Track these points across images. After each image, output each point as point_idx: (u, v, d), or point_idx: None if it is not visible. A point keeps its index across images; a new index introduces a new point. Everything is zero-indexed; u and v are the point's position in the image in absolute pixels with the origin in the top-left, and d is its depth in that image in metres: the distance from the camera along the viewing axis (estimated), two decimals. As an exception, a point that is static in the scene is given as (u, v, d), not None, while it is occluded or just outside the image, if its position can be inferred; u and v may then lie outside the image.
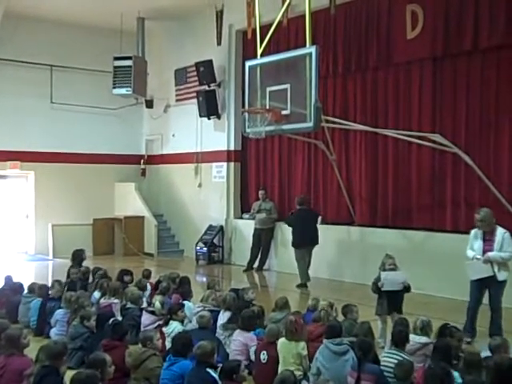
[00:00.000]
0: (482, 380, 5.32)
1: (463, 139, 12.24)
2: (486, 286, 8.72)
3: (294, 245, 13.48)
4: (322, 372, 6.34)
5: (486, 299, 8.95)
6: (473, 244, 8.82)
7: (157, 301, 8.44)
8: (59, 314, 8.59)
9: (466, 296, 11.15)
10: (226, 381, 5.72)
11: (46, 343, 6.06)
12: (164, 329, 7.64)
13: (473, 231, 8.91)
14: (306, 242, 13.35)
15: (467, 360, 5.76)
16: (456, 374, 5.61)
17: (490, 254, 8.53)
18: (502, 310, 8.73)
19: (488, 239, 8.68)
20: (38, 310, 9.03)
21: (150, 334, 6.71)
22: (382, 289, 8.31)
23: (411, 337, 6.73)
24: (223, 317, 8.02)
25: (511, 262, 8.78)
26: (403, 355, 6.17)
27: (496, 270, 8.56)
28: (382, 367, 6.04)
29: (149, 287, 10.08)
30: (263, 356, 6.78)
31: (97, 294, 9.39)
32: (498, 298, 8.67)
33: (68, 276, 10.96)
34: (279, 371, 6.50)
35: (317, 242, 13.39)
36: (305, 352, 6.66)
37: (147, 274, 10.89)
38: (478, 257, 8.61)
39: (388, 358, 6.18)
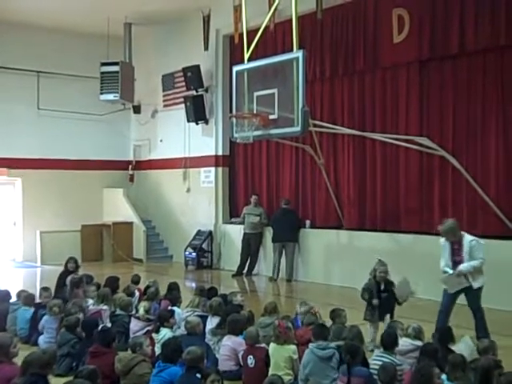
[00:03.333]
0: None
1: (450, 142, 12.29)
2: (462, 292, 8.58)
3: (272, 240, 14.86)
4: (306, 376, 6.32)
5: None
6: (444, 254, 8.65)
7: (141, 307, 8.41)
8: (45, 321, 8.54)
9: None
10: None
11: (32, 352, 6.02)
12: (154, 335, 7.61)
13: (441, 240, 8.69)
14: (281, 237, 14.53)
15: (451, 362, 5.77)
16: (444, 377, 5.62)
17: (461, 267, 8.33)
18: (484, 311, 8.60)
19: (456, 248, 8.47)
20: (30, 319, 8.96)
21: (139, 340, 6.70)
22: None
23: (405, 339, 6.75)
24: (212, 322, 8.00)
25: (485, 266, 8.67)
26: (392, 358, 6.18)
27: (471, 279, 8.37)
28: (371, 370, 6.05)
29: (137, 293, 10.05)
30: (250, 360, 6.77)
31: (86, 301, 9.35)
32: (477, 303, 8.53)
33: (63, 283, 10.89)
34: (269, 375, 6.51)
35: (292, 239, 14.50)
36: (296, 356, 6.64)
37: (136, 280, 10.85)
38: (450, 271, 8.44)
39: (377, 360, 6.19)
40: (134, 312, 8.86)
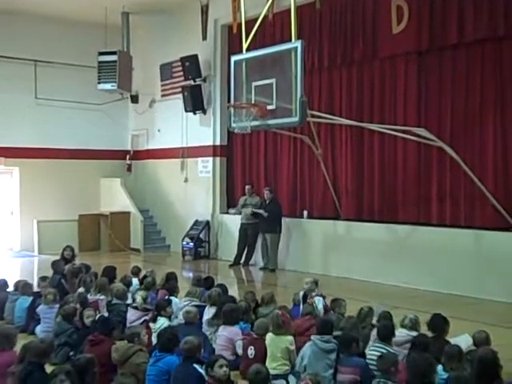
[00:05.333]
0: (465, 375, 5.34)
1: (448, 133, 12.28)
2: None
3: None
4: (304, 367, 6.33)
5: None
6: None
7: (139, 296, 8.42)
8: (40, 309, 8.55)
9: (451, 289, 11.29)
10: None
11: (30, 341, 6.08)
12: (152, 324, 7.63)
13: None
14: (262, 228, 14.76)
15: (447, 352, 5.78)
16: (439, 368, 5.64)
17: None
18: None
19: None
20: (28, 308, 8.96)
21: (137, 329, 6.71)
22: None
23: (401, 330, 6.75)
24: (209, 312, 8.01)
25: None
26: (388, 348, 6.19)
27: None
28: (367, 360, 6.07)
29: (136, 283, 10.06)
30: (250, 351, 6.78)
31: (82, 291, 9.36)
32: None
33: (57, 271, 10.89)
34: (267, 365, 6.53)
35: (271, 231, 14.54)
36: (292, 347, 6.64)
37: (135, 271, 10.84)
38: None
39: (374, 351, 6.20)
40: (130, 301, 8.87)
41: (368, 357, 6.15)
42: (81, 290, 9.36)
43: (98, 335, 6.80)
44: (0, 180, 18.67)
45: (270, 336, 6.78)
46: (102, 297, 8.90)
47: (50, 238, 17.25)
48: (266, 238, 14.74)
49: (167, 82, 18.46)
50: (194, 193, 17.71)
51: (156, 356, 6.14)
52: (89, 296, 9.00)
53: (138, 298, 8.35)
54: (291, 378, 6.46)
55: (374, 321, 7.34)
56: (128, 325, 7.93)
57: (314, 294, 8.50)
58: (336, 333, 6.60)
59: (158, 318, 7.71)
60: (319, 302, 8.20)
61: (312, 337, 6.51)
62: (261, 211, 14.78)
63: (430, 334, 6.63)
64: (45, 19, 17.93)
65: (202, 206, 17.30)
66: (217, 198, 17.16)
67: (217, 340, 7.36)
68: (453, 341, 6.53)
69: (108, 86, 17.64)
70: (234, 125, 11.25)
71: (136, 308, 8.28)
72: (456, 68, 12.23)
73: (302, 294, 8.67)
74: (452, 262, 11.52)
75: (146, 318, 7.99)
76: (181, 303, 8.57)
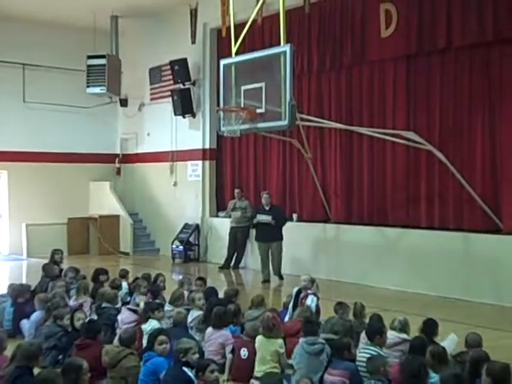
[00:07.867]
0: (458, 373, 5.38)
1: (437, 137, 12.34)
2: None
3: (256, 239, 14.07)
4: (296, 371, 6.34)
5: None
6: None
7: (141, 301, 8.39)
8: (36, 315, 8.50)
9: (441, 292, 11.33)
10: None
11: (20, 343, 6.06)
12: (142, 326, 7.60)
13: None
14: (265, 237, 13.63)
15: (432, 352, 5.79)
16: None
17: None
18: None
19: None
20: (13, 311, 8.93)
21: (135, 335, 6.69)
22: None
23: (390, 332, 6.76)
24: (192, 314, 7.99)
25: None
26: (378, 350, 6.20)
27: None
28: (357, 362, 6.09)
29: (125, 286, 10.04)
30: (244, 352, 6.77)
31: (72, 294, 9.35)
32: None
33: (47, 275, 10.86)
34: (256, 368, 6.54)
35: (275, 238, 13.52)
36: (282, 350, 6.63)
37: (123, 274, 10.82)
38: None
39: (363, 353, 6.22)
40: (119, 305, 8.82)
41: (358, 358, 6.17)
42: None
43: (84, 339, 6.78)
44: (-12, 184, 18.61)
45: (259, 339, 6.76)
46: (88, 299, 8.88)
47: (38, 241, 17.19)
48: (269, 247, 13.64)
49: (156, 85, 18.47)
50: (183, 196, 17.70)
51: (145, 356, 6.20)
52: (72, 300, 8.98)
53: (141, 303, 8.33)
54: (282, 381, 6.47)
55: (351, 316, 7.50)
56: (122, 326, 7.86)
57: (309, 291, 8.51)
58: (330, 335, 6.61)
59: (150, 320, 7.70)
60: (312, 301, 8.22)
61: (299, 340, 6.53)
62: (268, 219, 13.42)
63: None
64: (33, 23, 17.87)
65: (192, 210, 17.29)
66: (206, 202, 17.16)
67: (207, 344, 7.30)
68: (442, 344, 6.56)
69: (97, 90, 17.62)
70: (223, 128, 11.25)
71: (133, 311, 8.22)
72: (444, 72, 12.29)
73: (296, 289, 8.68)
74: (441, 265, 11.57)
75: (139, 323, 7.94)
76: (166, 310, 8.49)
